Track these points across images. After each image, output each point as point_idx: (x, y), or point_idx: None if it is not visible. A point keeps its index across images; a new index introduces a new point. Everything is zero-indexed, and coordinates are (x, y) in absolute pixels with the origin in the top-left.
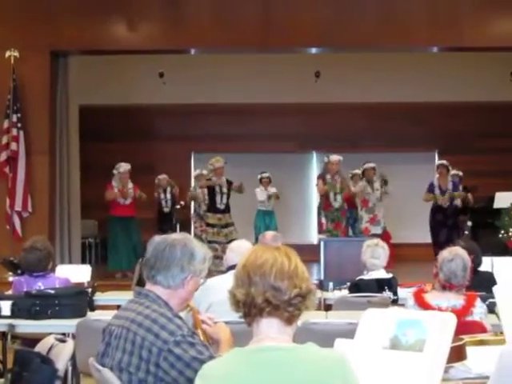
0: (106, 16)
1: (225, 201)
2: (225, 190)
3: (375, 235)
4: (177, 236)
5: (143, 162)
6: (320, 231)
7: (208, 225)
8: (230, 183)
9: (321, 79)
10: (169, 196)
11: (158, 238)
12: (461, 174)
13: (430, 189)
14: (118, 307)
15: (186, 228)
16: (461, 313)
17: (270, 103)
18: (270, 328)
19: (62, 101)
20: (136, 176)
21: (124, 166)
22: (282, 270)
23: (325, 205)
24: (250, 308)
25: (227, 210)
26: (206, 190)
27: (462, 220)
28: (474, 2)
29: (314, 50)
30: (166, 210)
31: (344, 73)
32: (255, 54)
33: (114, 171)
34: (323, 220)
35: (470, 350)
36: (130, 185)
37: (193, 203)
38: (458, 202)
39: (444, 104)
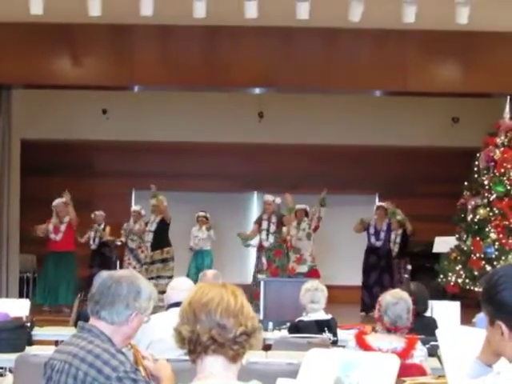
0: (50, 50)
1: (150, 238)
2: (153, 227)
3: (300, 274)
4: (124, 273)
5: (84, 198)
6: (257, 271)
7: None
8: (165, 223)
9: (264, 119)
10: (97, 234)
11: (105, 274)
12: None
13: (365, 227)
14: (56, 342)
15: (113, 265)
16: (401, 355)
17: (213, 142)
18: (214, 365)
19: (4, 134)
20: (76, 211)
21: (56, 200)
22: (227, 308)
23: (259, 244)
24: (195, 345)
25: (155, 247)
26: (136, 226)
27: (396, 263)
28: (418, 48)
29: (257, 91)
30: (93, 247)
31: (287, 114)
32: (199, 92)
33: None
34: (264, 260)
35: None
36: (67, 218)
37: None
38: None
39: (386, 147)
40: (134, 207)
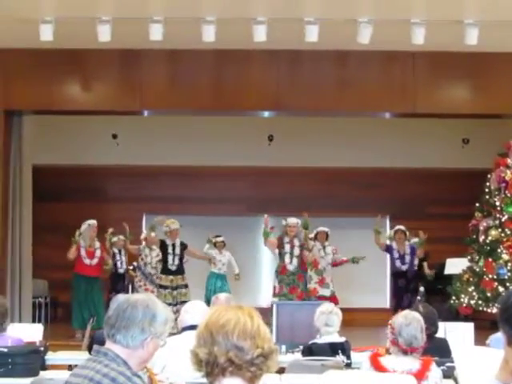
0: (60, 76)
1: (177, 262)
2: (177, 251)
3: (323, 297)
4: (140, 296)
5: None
6: (274, 295)
7: (161, 286)
8: (184, 246)
9: (274, 143)
10: (124, 258)
11: (121, 297)
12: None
13: (388, 249)
14: (70, 367)
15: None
16: (416, 377)
17: (223, 166)
18: None
19: (15, 160)
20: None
21: (93, 221)
22: (244, 330)
23: (281, 268)
24: (212, 367)
25: (179, 271)
26: (153, 253)
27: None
28: (428, 70)
29: (266, 114)
30: (121, 271)
31: (297, 137)
32: (208, 116)
33: (83, 227)
34: (276, 284)
35: None
36: (97, 244)
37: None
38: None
39: (397, 169)
40: (148, 233)
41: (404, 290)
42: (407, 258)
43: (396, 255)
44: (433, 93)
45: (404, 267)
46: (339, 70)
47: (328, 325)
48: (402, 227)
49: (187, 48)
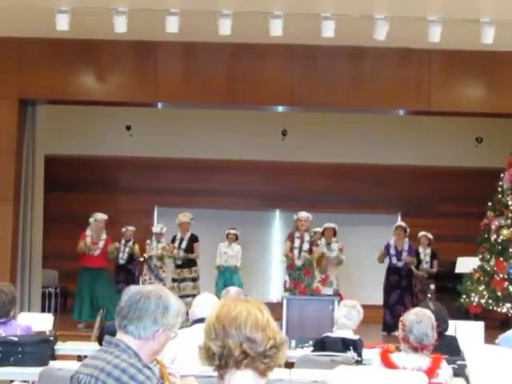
0: (75, 66)
1: (182, 255)
2: (184, 245)
3: (326, 296)
4: (153, 288)
5: (106, 214)
6: (285, 290)
7: (173, 280)
8: (195, 239)
9: (287, 137)
10: (127, 249)
11: (133, 288)
12: (430, 236)
13: (387, 248)
14: (79, 357)
15: (136, 281)
16: (427, 374)
17: (236, 160)
18: (245, 380)
19: (28, 150)
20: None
21: (101, 215)
22: (256, 322)
23: (291, 262)
24: (226, 360)
25: (185, 264)
26: (160, 245)
27: (425, 284)
28: (443, 68)
29: (280, 109)
30: (122, 262)
31: (311, 132)
32: (222, 110)
33: (91, 219)
34: (287, 278)
35: None
36: (104, 236)
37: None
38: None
39: (409, 167)
40: (156, 228)
41: (395, 286)
42: (404, 255)
43: (393, 252)
44: (448, 91)
45: (400, 263)
46: (355, 66)
47: (347, 317)
48: (402, 224)
49: (203, 41)
